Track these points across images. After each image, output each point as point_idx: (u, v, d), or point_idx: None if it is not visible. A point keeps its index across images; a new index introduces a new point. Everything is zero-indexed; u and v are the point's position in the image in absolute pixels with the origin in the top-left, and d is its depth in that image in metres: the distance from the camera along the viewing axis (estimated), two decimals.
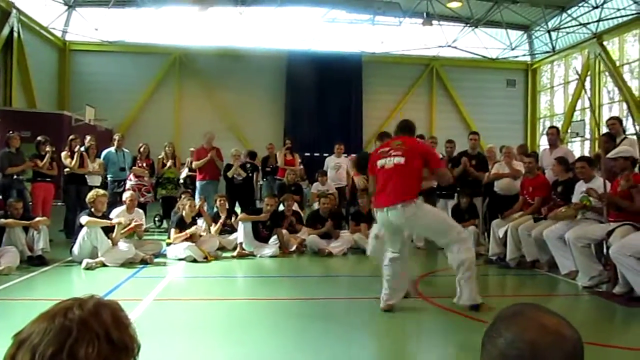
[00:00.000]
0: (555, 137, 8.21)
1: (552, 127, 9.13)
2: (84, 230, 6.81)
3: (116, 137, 10.26)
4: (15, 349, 0.95)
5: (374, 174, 4.86)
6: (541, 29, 19.63)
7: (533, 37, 20.86)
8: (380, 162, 4.70)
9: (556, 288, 6.19)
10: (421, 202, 4.75)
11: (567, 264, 6.16)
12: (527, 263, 6.99)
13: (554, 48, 19.70)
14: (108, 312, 1.01)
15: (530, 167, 7.36)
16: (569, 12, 18.10)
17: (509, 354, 0.98)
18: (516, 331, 0.99)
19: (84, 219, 6.89)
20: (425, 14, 18.44)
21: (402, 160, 4.55)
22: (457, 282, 4.72)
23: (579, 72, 17.99)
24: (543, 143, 19.88)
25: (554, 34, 19.30)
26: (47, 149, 8.72)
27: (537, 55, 21.12)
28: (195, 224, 7.81)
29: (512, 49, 20.65)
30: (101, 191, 7.45)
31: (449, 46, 20.44)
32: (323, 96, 19.01)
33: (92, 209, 7.04)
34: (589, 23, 17.57)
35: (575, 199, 6.32)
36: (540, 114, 21.57)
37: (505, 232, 7.19)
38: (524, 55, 21.25)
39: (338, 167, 10.66)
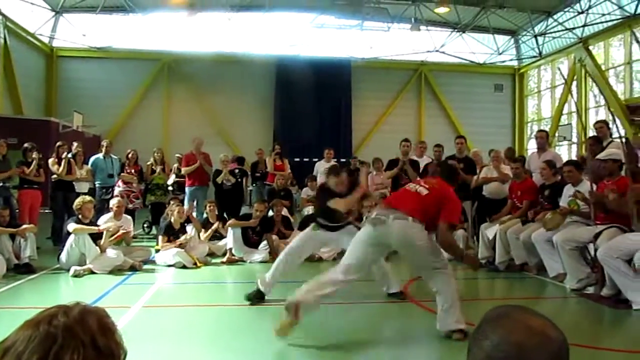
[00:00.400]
0: (544, 140, 8.27)
1: (540, 130, 9.21)
2: (71, 238, 6.75)
3: (104, 143, 10.19)
4: (0, 357, 0.95)
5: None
6: (528, 33, 19.83)
7: (520, 42, 21.07)
8: (411, 186, 4.52)
9: (544, 291, 6.24)
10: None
11: (555, 266, 6.21)
12: (515, 266, 7.03)
13: (540, 53, 19.89)
14: (94, 319, 1.01)
15: (517, 172, 7.41)
16: (555, 17, 18.30)
17: (495, 356, 0.98)
18: (502, 333, 1.00)
19: (71, 226, 6.83)
20: (413, 19, 18.56)
21: (427, 192, 4.31)
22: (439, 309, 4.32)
23: (565, 77, 18.17)
24: (531, 147, 20.05)
25: (540, 39, 19.50)
26: (34, 155, 8.65)
27: (524, 60, 21.32)
28: (184, 230, 7.78)
29: (500, 54, 20.83)
30: (88, 198, 7.40)
31: (437, 51, 20.58)
32: (312, 101, 19.03)
33: (80, 216, 6.98)
34: (574, 28, 17.77)
35: (563, 202, 6.38)
36: (527, 118, 21.75)
37: (494, 236, 7.24)
38: (511, 60, 21.44)
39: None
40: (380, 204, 4.72)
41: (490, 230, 7.38)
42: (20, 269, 6.66)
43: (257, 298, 5.21)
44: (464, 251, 4.74)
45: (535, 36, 19.43)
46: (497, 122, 20.94)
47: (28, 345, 0.93)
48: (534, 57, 20.39)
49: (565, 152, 18.39)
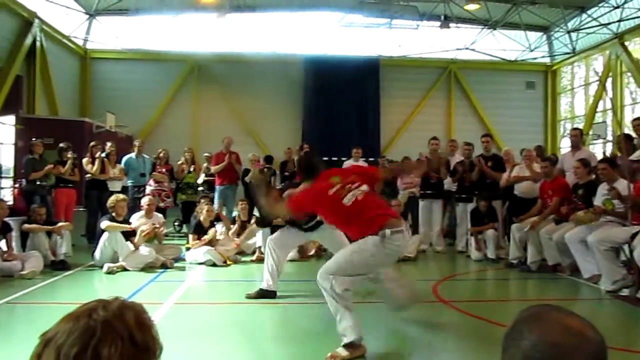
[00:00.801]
0: (578, 138, 8.09)
1: (575, 128, 9.00)
2: (105, 235, 6.90)
3: (136, 143, 10.38)
4: (41, 348, 0.98)
5: None
6: (561, 30, 19.40)
7: (552, 38, 20.62)
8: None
9: (578, 292, 6.11)
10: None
11: (589, 267, 6.08)
12: (548, 267, 6.91)
13: (574, 49, 19.45)
14: (132, 314, 1.03)
15: (547, 170, 7.27)
16: (589, 12, 17.86)
17: (532, 356, 0.97)
18: (540, 333, 0.98)
19: (104, 223, 6.98)
20: (442, 16, 18.35)
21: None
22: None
23: (599, 73, 17.72)
24: (563, 145, 19.63)
25: (573, 35, 19.06)
26: (69, 155, 8.87)
27: (556, 57, 20.87)
28: (214, 228, 7.86)
29: (531, 51, 20.43)
30: (121, 196, 7.55)
31: (466, 49, 20.31)
32: (341, 100, 19.00)
33: (113, 214, 7.13)
34: (609, 23, 17.31)
35: (597, 201, 6.23)
36: (560, 116, 21.29)
37: (526, 235, 7.13)
38: (543, 56, 21.01)
39: None
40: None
41: (521, 231, 7.27)
42: (57, 266, 6.84)
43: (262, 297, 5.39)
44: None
45: (569, 32, 19.00)
46: (528, 120, 20.54)
47: (68, 338, 0.96)
48: (567, 53, 19.95)
49: (600, 150, 17.94)
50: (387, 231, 3.62)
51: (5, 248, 6.61)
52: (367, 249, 3.67)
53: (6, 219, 6.85)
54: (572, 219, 6.38)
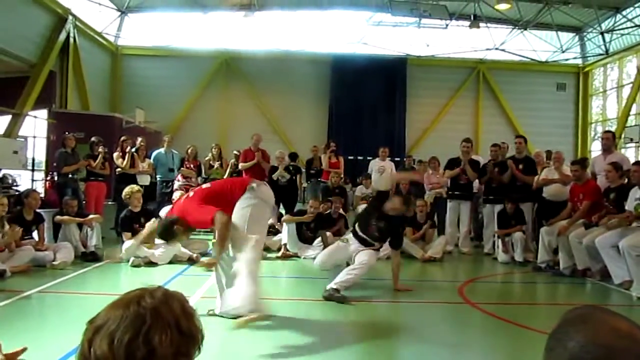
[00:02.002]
0: (611, 142, 7.93)
1: (607, 131, 8.84)
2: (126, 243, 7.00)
3: (166, 138, 10.53)
4: (92, 334, 1.01)
5: None
6: (594, 30, 19.01)
7: (585, 39, 20.21)
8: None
9: (609, 298, 5.99)
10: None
11: (620, 273, 5.95)
12: (578, 271, 6.79)
13: (607, 50, 19.03)
14: (176, 302, 1.06)
15: (577, 174, 7.13)
16: (624, 13, 17.46)
17: (580, 357, 0.95)
18: (588, 334, 0.97)
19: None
20: (472, 16, 18.14)
21: None
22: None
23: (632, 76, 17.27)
24: (594, 149, 19.24)
25: (607, 36, 18.65)
26: (100, 150, 9.05)
27: (589, 58, 20.45)
28: None
29: (563, 52, 20.06)
30: (136, 187, 7.68)
31: (496, 49, 20.04)
32: (367, 99, 18.95)
33: (130, 206, 7.27)
34: None
35: (629, 206, 6.10)
36: (591, 119, 20.87)
37: (555, 240, 7.02)
38: (575, 58, 20.61)
39: (382, 170, 10.63)
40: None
41: (550, 234, 7.16)
42: (87, 257, 6.99)
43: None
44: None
45: (602, 33, 18.60)
46: (559, 122, 20.18)
47: (120, 325, 0.99)
48: (600, 55, 19.53)
49: (633, 154, 17.54)
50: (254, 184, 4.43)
51: (37, 238, 6.77)
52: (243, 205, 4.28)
53: (39, 210, 7.02)
54: (603, 224, 6.25)
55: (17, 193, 12.67)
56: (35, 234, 6.82)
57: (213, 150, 10.82)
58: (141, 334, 0.98)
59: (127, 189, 7.50)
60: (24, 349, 1.44)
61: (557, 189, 7.91)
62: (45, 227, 7.04)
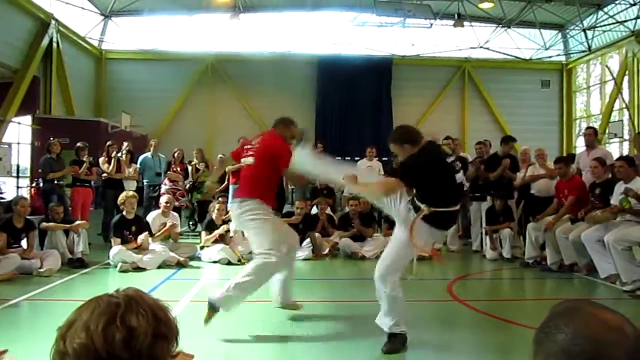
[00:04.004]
0: (592, 137, 8.03)
1: (589, 127, 8.96)
2: (115, 249, 6.94)
3: (152, 142, 10.47)
4: (65, 330, 0.99)
5: (235, 159, 4.90)
6: (576, 27, 19.22)
7: (568, 36, 20.44)
8: (242, 160, 4.60)
9: (595, 292, 6.05)
10: (261, 207, 4.31)
11: (606, 267, 6.01)
12: (565, 266, 6.85)
13: (589, 47, 19.26)
14: (149, 297, 1.06)
15: (561, 171, 7.20)
16: (605, 9, 17.68)
17: (570, 350, 0.96)
18: (577, 327, 0.98)
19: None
20: (456, 15, 18.27)
21: (252, 161, 4.44)
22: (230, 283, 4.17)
23: (612, 70, 17.47)
24: (579, 144, 19.43)
25: (589, 33, 18.87)
26: (85, 158, 8.96)
27: (572, 55, 20.68)
28: (226, 225, 7.89)
29: (546, 49, 20.27)
30: (131, 192, 7.63)
31: (481, 47, 20.20)
32: (354, 100, 19.01)
33: (124, 211, 7.22)
34: (626, 21, 17.12)
35: (614, 200, 6.17)
36: (576, 115, 21.10)
37: (542, 235, 7.07)
38: (559, 55, 20.83)
39: (370, 170, 10.63)
40: None
41: (537, 230, 7.22)
42: (74, 263, 6.92)
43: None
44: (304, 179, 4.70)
45: (584, 30, 18.82)
46: (544, 119, 20.38)
47: (93, 313, 0.98)
48: (583, 51, 19.76)
49: (617, 149, 17.76)
50: None
51: (25, 246, 6.70)
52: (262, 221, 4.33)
53: (29, 217, 6.94)
54: (589, 219, 6.32)
55: (1, 200, 12.55)
56: (24, 242, 6.75)
57: (195, 154, 10.77)
58: (117, 316, 0.97)
59: (122, 194, 7.45)
60: (4, 352, 1.42)
61: (546, 184, 7.97)
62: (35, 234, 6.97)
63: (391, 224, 8.55)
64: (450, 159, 4.01)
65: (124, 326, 0.96)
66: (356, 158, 12.89)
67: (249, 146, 4.54)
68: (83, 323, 0.97)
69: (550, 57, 20.65)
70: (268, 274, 4.25)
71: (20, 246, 6.64)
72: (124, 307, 0.99)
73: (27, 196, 12.71)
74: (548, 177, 7.91)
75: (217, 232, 7.61)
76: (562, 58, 20.96)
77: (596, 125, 18.86)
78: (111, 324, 0.96)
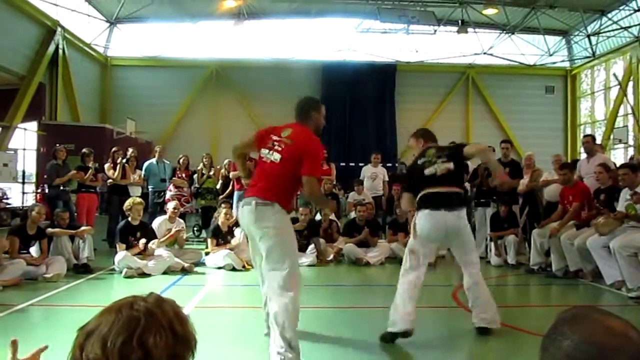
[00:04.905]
0: (591, 145, 8.01)
1: (586, 135, 8.95)
2: (120, 255, 6.96)
3: (157, 148, 10.51)
4: (83, 339, 1.00)
5: (256, 144, 4.00)
6: (580, 33, 19.23)
7: (572, 42, 20.45)
8: (263, 151, 3.85)
9: (601, 298, 6.02)
10: (283, 213, 3.68)
11: (612, 273, 5.99)
12: (570, 272, 6.82)
13: (594, 53, 19.26)
14: (169, 306, 1.06)
15: (566, 177, 7.18)
16: (609, 15, 17.69)
17: (575, 356, 0.96)
18: (582, 333, 0.98)
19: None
20: (460, 21, 18.31)
21: (278, 158, 3.70)
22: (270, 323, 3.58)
23: (619, 78, 17.46)
24: (584, 150, 19.37)
25: (593, 39, 18.88)
26: (91, 164, 9.00)
27: (576, 61, 20.68)
28: (232, 233, 7.91)
29: (550, 55, 20.28)
30: (138, 199, 7.65)
31: (485, 53, 20.22)
32: (358, 106, 19.06)
33: (130, 217, 7.24)
34: (630, 27, 17.13)
35: (620, 207, 6.16)
36: (580, 121, 21.08)
37: (547, 242, 7.05)
38: (563, 61, 20.83)
39: (374, 176, 10.65)
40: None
41: (542, 237, 7.20)
42: (79, 269, 6.95)
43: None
44: (328, 201, 3.74)
45: (589, 36, 18.82)
46: (548, 125, 20.37)
47: (112, 328, 0.98)
48: (587, 57, 19.76)
49: (621, 155, 17.71)
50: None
51: (34, 254, 6.73)
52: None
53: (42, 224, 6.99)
54: (594, 225, 6.30)
55: (7, 206, 12.62)
56: (32, 250, 6.78)
57: (204, 159, 10.80)
58: (135, 335, 0.97)
59: (129, 200, 7.48)
60: (45, 348, 1.43)
61: (557, 189, 7.94)
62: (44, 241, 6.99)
63: (395, 230, 8.60)
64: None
65: (140, 347, 0.97)
66: (361, 164, 12.91)
67: (277, 138, 3.80)
68: (101, 337, 0.98)
69: (554, 63, 20.65)
70: (296, 309, 3.54)
71: (29, 252, 6.68)
72: (143, 323, 0.99)
73: (33, 202, 12.78)
74: (561, 182, 7.89)
75: (228, 246, 7.60)
76: (567, 64, 20.96)
77: (600, 131, 18.86)
78: (128, 343, 0.97)
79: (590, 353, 0.96)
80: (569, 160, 13.52)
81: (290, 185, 3.75)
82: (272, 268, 3.54)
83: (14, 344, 1.34)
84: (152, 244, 7.11)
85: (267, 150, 3.78)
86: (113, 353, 0.96)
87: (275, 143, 3.76)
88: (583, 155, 9.62)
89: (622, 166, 6.52)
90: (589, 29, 18.65)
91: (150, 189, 10.02)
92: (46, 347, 1.42)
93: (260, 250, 3.64)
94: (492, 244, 8.20)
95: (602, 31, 18.18)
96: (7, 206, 13.01)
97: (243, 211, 3.71)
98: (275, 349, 3.40)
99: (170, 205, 8.03)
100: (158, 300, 1.06)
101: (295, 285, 3.52)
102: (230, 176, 10.33)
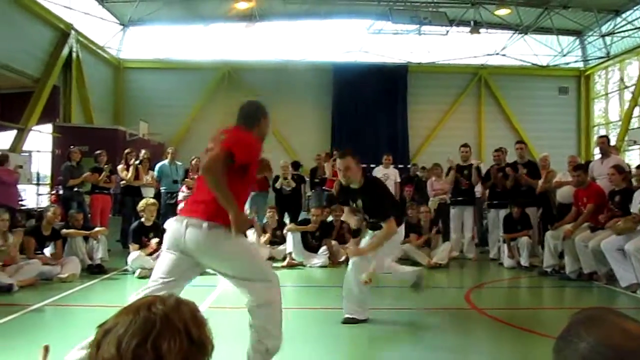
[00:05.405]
0: (606, 146, 7.95)
1: (601, 136, 8.87)
2: (133, 254, 7.02)
3: (169, 150, 10.57)
4: (101, 337, 1.01)
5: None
6: (594, 34, 19.05)
7: (586, 42, 20.26)
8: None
9: (616, 301, 5.96)
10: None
11: (627, 276, 5.93)
12: (584, 275, 6.76)
13: (608, 53, 19.06)
14: (187, 309, 1.06)
15: (580, 179, 7.12)
16: (624, 15, 17.50)
17: (591, 358, 0.96)
18: (599, 336, 0.97)
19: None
20: (472, 22, 18.21)
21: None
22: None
23: (623, 81, 17.22)
24: (597, 152, 19.20)
25: (608, 39, 18.68)
26: (105, 166, 9.09)
27: (590, 61, 20.47)
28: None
29: (564, 56, 20.10)
30: (151, 200, 7.71)
31: (497, 54, 20.10)
32: (370, 107, 19.02)
33: (143, 218, 7.30)
34: None
35: (634, 208, 6.10)
36: (594, 122, 20.87)
37: (561, 244, 7.00)
38: (577, 61, 20.64)
39: (386, 177, 10.62)
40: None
41: (555, 239, 7.14)
42: (93, 270, 7.02)
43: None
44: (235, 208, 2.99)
45: (603, 36, 18.63)
46: (561, 126, 20.18)
47: (128, 329, 0.99)
48: (601, 58, 19.56)
49: (637, 156, 17.51)
50: None
51: (48, 255, 6.81)
52: None
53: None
54: (609, 227, 6.24)
55: (22, 207, 12.75)
56: (46, 250, 6.86)
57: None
58: (149, 339, 0.98)
59: (142, 201, 7.55)
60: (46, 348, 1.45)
61: (571, 191, 7.89)
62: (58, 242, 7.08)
63: (407, 232, 8.57)
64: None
65: (154, 351, 0.97)
66: (372, 165, 12.90)
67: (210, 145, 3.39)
68: (117, 338, 0.99)
69: (567, 63, 20.47)
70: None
71: (43, 253, 6.76)
72: (159, 327, 0.99)
73: (47, 203, 12.92)
74: (574, 184, 7.83)
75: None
76: (580, 64, 20.76)
77: (615, 132, 18.66)
78: (142, 345, 0.97)
79: (606, 356, 0.95)
80: (582, 162, 13.41)
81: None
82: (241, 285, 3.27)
83: (46, 349, 1.37)
84: (157, 240, 7.15)
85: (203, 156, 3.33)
86: (127, 354, 0.97)
87: (210, 146, 3.32)
88: (597, 157, 9.56)
89: (639, 167, 6.45)
90: (603, 29, 18.46)
91: (162, 191, 10.08)
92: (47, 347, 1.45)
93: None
94: (505, 245, 8.15)
95: (616, 31, 17.99)
96: (22, 207, 13.15)
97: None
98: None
99: (180, 207, 8.08)
100: (177, 302, 1.06)
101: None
102: None
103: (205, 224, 3.02)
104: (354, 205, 4.74)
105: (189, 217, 3.10)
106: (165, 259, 3.23)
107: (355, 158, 4.56)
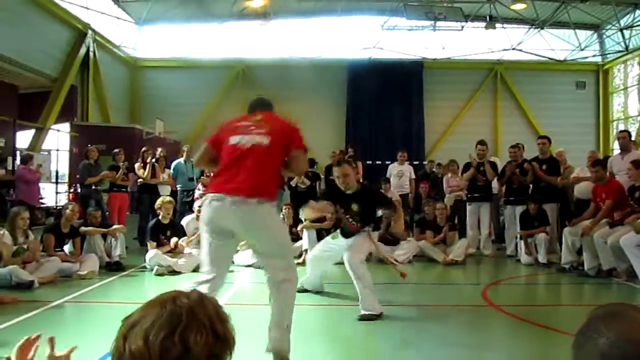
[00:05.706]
0: (627, 140, 7.83)
1: (622, 131, 8.75)
2: (150, 253, 7.09)
3: (185, 148, 10.63)
4: (127, 330, 1.03)
5: (216, 148, 3.51)
6: (613, 27, 18.78)
7: (604, 36, 19.98)
8: (235, 138, 3.38)
9: (635, 298, 5.89)
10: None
11: None
12: (603, 271, 6.68)
13: (627, 47, 18.78)
14: (211, 305, 1.08)
15: (599, 175, 7.03)
16: None
17: (611, 353, 0.95)
18: (619, 331, 0.97)
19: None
20: (488, 17, 18.07)
21: (265, 140, 3.36)
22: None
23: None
24: (616, 147, 18.95)
25: (626, 33, 18.41)
26: (121, 163, 9.19)
27: (608, 56, 20.19)
28: None
29: (582, 50, 19.85)
30: (168, 197, 7.79)
31: (513, 49, 19.92)
32: (384, 104, 18.98)
33: (160, 216, 7.37)
34: None
35: None
36: (612, 117, 20.58)
37: (579, 240, 6.92)
38: (594, 55, 20.37)
39: (401, 174, 10.61)
40: None
41: (573, 235, 7.07)
42: (111, 267, 7.10)
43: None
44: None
45: (621, 30, 18.36)
46: (579, 121, 19.94)
47: (155, 322, 1.01)
48: (620, 51, 19.27)
49: None
50: None
51: (67, 252, 6.91)
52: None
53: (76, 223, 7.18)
54: (629, 223, 6.16)
55: (41, 205, 12.93)
56: (65, 248, 6.96)
57: None
58: (177, 331, 0.99)
59: (159, 199, 7.64)
60: (37, 337, 1.48)
61: (588, 186, 7.79)
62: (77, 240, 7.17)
63: (423, 228, 8.54)
64: None
65: (181, 343, 0.99)
66: (387, 162, 12.87)
67: (248, 123, 3.52)
68: (144, 330, 1.00)
69: (585, 58, 20.21)
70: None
71: (63, 250, 6.86)
72: (185, 321, 1.01)
73: (66, 201, 13.09)
74: (592, 180, 7.74)
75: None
76: (598, 59, 20.49)
77: (634, 127, 18.39)
78: (169, 337, 0.99)
79: (627, 350, 0.94)
80: (601, 157, 13.25)
81: (276, 174, 3.50)
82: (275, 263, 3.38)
83: (51, 341, 1.41)
84: (182, 242, 7.23)
85: (241, 136, 3.35)
86: (154, 346, 0.98)
87: (252, 127, 3.41)
88: (616, 152, 9.43)
89: None
90: (622, 22, 18.20)
91: (179, 188, 10.15)
92: (76, 347, 1.48)
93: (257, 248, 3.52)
94: (522, 242, 8.09)
95: (635, 25, 17.72)
96: (42, 205, 13.35)
97: (228, 210, 3.21)
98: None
99: (196, 205, 8.14)
100: (201, 297, 1.08)
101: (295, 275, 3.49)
102: None
103: (254, 200, 3.19)
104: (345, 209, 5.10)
105: (234, 195, 3.19)
106: (210, 249, 3.37)
107: (352, 165, 5.00)
